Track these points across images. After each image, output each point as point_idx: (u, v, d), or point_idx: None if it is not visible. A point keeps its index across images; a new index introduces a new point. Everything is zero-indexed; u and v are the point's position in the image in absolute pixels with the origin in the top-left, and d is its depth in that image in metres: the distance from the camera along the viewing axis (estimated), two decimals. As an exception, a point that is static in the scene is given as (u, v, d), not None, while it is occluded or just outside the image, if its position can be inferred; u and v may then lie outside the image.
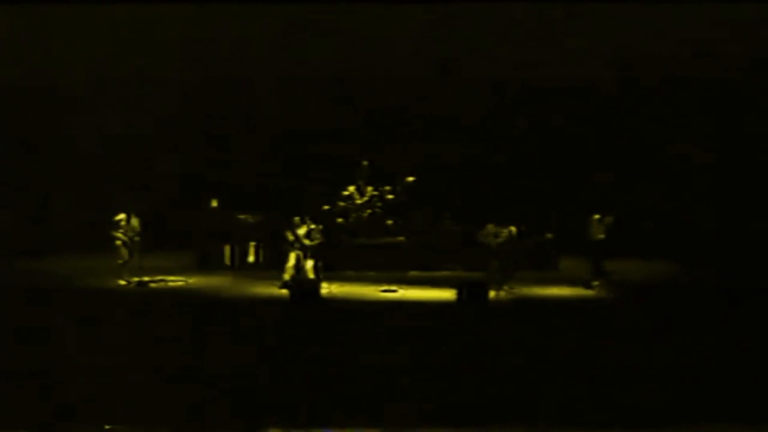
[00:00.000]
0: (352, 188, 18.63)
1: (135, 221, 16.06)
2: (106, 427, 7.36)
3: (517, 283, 15.99)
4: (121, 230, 15.94)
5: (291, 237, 15.84)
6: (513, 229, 15.92)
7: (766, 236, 18.11)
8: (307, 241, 15.76)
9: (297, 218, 15.91)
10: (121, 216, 15.99)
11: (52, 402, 8.43)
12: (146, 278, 16.07)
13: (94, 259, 17.29)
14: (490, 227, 16.07)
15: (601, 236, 16.18)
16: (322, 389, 8.95)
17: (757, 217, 18.60)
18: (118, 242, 15.95)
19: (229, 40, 19.86)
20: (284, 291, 15.12)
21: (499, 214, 16.30)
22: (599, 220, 16.23)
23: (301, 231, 15.82)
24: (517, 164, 20.49)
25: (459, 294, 14.53)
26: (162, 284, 16.08)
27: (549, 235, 16.22)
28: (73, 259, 18.04)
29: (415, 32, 19.81)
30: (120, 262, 16.02)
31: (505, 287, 15.81)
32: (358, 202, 18.57)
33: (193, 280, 16.61)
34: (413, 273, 17.16)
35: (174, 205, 19.07)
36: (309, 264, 15.76)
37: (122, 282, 15.90)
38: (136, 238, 15.99)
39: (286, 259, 15.80)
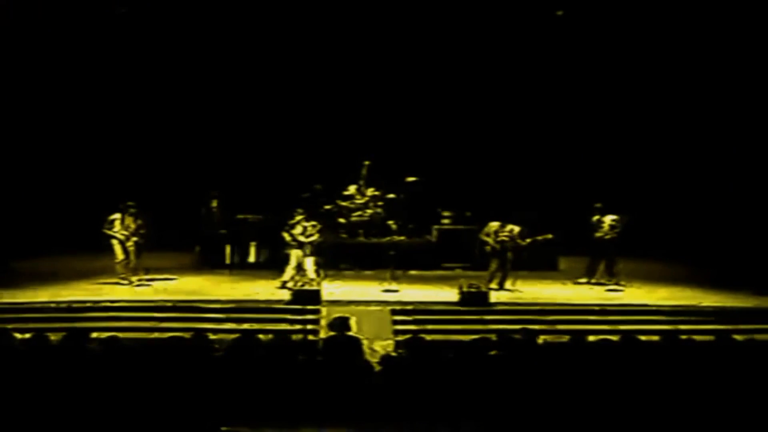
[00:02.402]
0: (352, 188, 18.63)
1: (129, 220, 16.01)
2: None
3: (518, 283, 16.01)
4: (115, 229, 15.91)
5: (288, 237, 15.81)
6: (515, 228, 15.90)
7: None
8: (302, 238, 15.73)
9: (293, 220, 15.87)
10: (116, 215, 15.96)
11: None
12: (143, 277, 16.07)
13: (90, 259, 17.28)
14: (492, 225, 16.04)
15: (611, 236, 16.19)
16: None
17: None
18: (114, 241, 15.92)
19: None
20: (284, 291, 15.11)
21: (502, 212, 16.26)
22: (613, 220, 16.22)
23: (297, 230, 15.79)
24: (518, 161, 20.51)
25: (460, 294, 14.54)
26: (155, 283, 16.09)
27: (549, 235, 16.17)
28: (68, 260, 17.99)
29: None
30: (116, 261, 15.99)
31: (506, 287, 15.82)
32: (359, 201, 18.56)
33: (188, 280, 16.63)
34: (413, 273, 17.13)
35: (175, 205, 19.03)
36: (309, 263, 15.73)
37: (122, 281, 15.89)
38: (133, 238, 15.97)
39: (286, 260, 15.78)
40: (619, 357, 8.70)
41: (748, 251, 17.71)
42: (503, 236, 15.81)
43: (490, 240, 15.91)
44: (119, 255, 15.92)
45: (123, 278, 15.92)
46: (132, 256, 16.01)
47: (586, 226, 16.43)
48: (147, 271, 16.25)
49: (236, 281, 16.62)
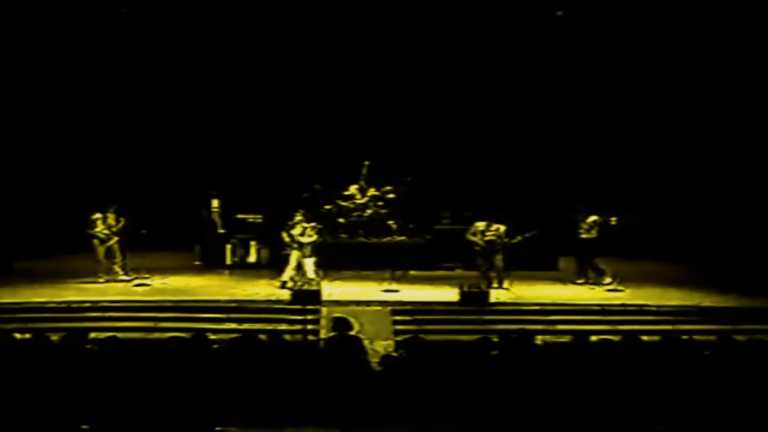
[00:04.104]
0: (352, 188, 18.61)
1: (111, 219, 15.99)
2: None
3: (517, 283, 15.98)
4: (96, 229, 15.90)
5: (287, 238, 15.80)
6: (501, 227, 15.85)
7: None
8: (302, 239, 15.71)
9: (292, 221, 15.85)
10: (97, 215, 15.95)
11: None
12: (130, 275, 16.08)
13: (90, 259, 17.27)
14: (479, 225, 15.98)
15: (594, 235, 16.17)
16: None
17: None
18: (95, 241, 15.92)
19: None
20: (284, 291, 15.10)
21: (496, 211, 16.21)
22: (594, 221, 16.17)
23: (296, 231, 15.77)
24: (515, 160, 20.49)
25: (460, 294, 14.52)
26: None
27: (534, 232, 16.05)
28: (68, 260, 17.96)
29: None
30: (97, 260, 16.00)
31: (505, 286, 15.79)
32: (359, 202, 18.54)
33: (187, 280, 16.59)
34: (413, 273, 17.11)
35: (175, 205, 19.03)
36: (308, 263, 15.71)
37: (100, 280, 15.90)
38: (115, 237, 15.95)
39: (286, 260, 15.76)
40: (619, 357, 8.70)
41: (748, 251, 17.68)
42: (490, 236, 15.74)
43: (477, 240, 15.84)
44: (100, 254, 15.95)
45: (106, 278, 15.93)
46: (118, 255, 16.02)
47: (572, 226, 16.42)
48: (107, 271, 16.16)
49: (236, 281, 16.62)
